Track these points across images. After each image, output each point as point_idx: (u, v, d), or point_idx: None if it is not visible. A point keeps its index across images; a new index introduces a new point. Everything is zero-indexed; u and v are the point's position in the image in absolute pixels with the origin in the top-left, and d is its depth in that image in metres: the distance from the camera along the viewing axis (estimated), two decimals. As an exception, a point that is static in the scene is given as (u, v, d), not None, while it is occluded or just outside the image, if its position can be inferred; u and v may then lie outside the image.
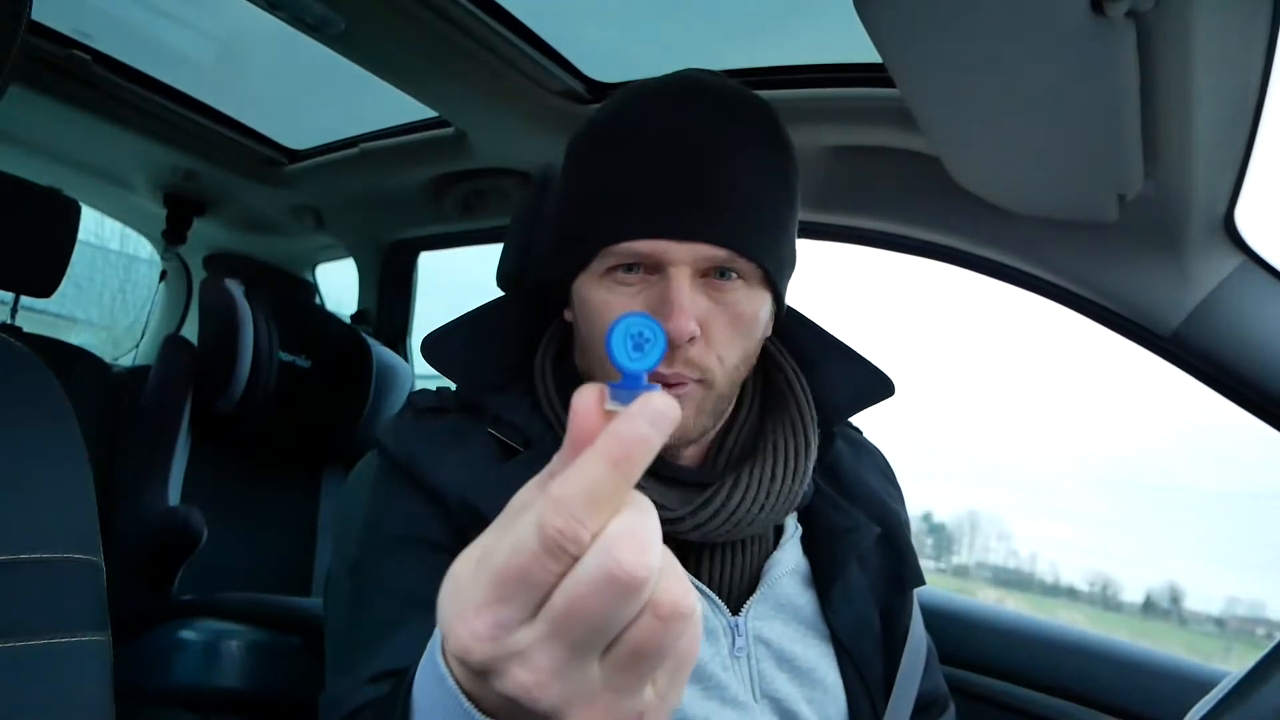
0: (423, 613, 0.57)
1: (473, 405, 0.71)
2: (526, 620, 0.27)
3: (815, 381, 0.75)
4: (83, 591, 0.60)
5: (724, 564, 0.69)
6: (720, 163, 0.61)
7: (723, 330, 0.63)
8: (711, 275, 0.62)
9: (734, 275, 0.63)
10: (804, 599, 0.72)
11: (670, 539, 0.64)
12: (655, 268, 0.62)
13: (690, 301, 0.60)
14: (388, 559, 0.63)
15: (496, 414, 0.69)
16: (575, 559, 0.26)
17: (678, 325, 0.58)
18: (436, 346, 0.73)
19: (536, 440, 0.67)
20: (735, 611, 0.68)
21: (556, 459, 0.29)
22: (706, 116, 0.62)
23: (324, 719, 0.58)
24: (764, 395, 0.75)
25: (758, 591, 0.69)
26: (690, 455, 0.70)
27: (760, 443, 0.70)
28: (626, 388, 0.29)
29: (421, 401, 0.72)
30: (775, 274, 0.65)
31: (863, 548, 0.73)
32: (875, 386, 0.75)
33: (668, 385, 0.61)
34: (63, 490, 0.62)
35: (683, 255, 0.60)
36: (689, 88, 0.64)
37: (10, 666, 0.55)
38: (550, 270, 0.71)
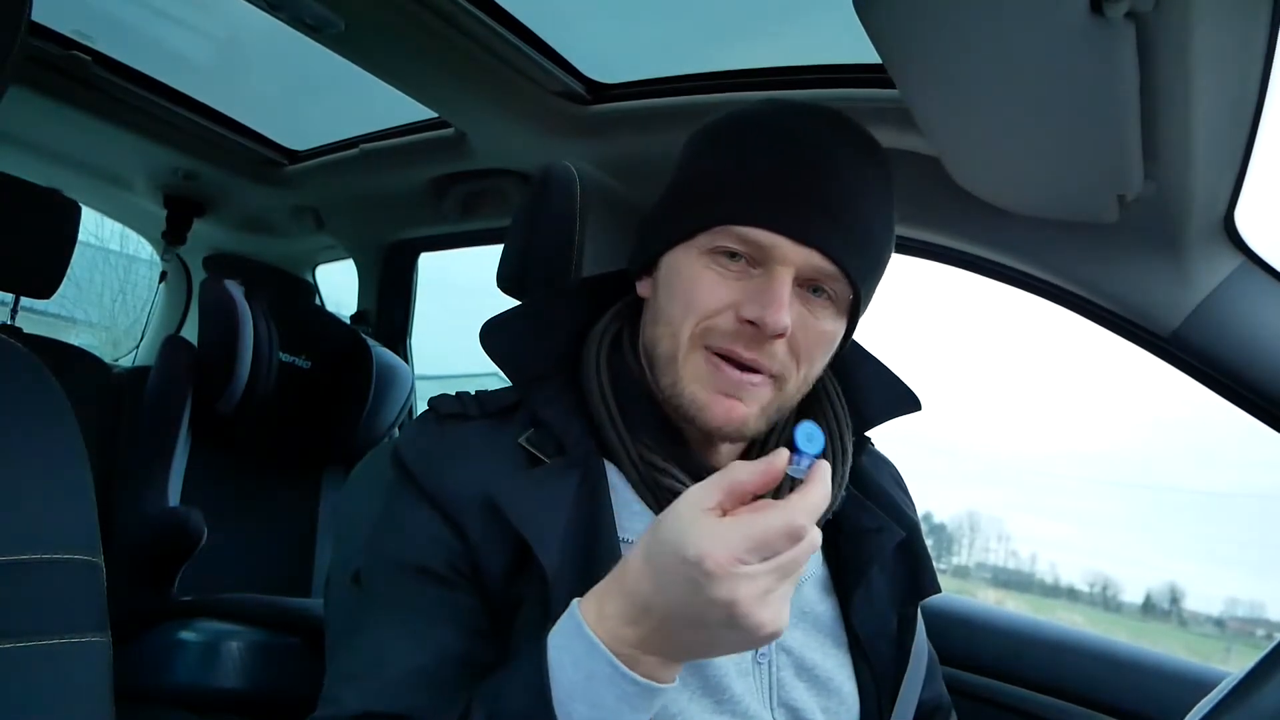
0: (415, 646, 0.59)
1: (499, 411, 0.70)
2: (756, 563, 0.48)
3: (849, 389, 0.76)
4: (83, 592, 0.60)
5: None
6: (853, 189, 0.63)
7: (808, 342, 0.64)
8: (806, 289, 0.64)
9: (826, 296, 0.64)
10: (823, 606, 0.72)
11: None
12: (758, 262, 0.63)
13: (789, 302, 0.62)
14: (389, 582, 0.63)
15: (534, 412, 0.68)
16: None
17: (776, 317, 0.60)
18: (494, 332, 0.72)
19: (572, 446, 0.66)
20: None
21: (750, 472, 0.51)
22: (848, 146, 0.65)
23: (319, 710, 0.59)
24: (802, 402, 0.75)
25: None
26: (728, 458, 0.70)
27: None
28: (800, 462, 0.53)
29: (444, 407, 0.69)
30: (862, 303, 0.66)
31: (889, 548, 0.73)
32: (903, 400, 0.77)
33: (744, 369, 0.63)
34: (63, 490, 0.62)
35: (794, 256, 0.61)
36: (837, 118, 0.66)
37: (10, 667, 0.55)
38: (645, 243, 0.71)
